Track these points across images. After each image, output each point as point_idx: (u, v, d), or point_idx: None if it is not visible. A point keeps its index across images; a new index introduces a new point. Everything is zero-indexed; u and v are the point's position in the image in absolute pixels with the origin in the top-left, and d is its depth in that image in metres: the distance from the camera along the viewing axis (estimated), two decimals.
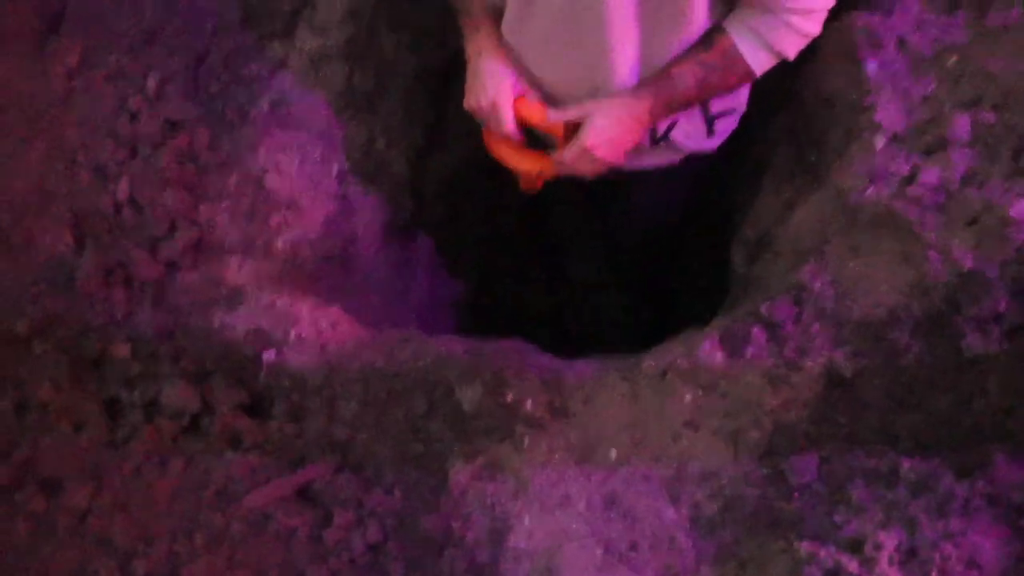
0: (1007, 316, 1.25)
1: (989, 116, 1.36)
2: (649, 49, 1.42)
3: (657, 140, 1.59)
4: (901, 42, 1.50)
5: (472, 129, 1.73)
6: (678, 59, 1.43)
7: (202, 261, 1.65)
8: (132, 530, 1.39)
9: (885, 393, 1.31)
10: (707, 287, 1.94)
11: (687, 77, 1.42)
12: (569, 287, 2.40)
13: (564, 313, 2.48)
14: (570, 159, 1.52)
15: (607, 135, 1.46)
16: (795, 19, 1.33)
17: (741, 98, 1.62)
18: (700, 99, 1.49)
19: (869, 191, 1.42)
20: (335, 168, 1.83)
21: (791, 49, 1.37)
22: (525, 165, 1.63)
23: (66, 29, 1.77)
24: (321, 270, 1.74)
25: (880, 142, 1.44)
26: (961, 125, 1.37)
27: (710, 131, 1.61)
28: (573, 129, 1.52)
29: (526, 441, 1.47)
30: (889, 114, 1.45)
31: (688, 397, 1.43)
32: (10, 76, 1.71)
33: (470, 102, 1.59)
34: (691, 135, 1.61)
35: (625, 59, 1.43)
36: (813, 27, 1.36)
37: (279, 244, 1.70)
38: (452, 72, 2.07)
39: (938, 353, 1.29)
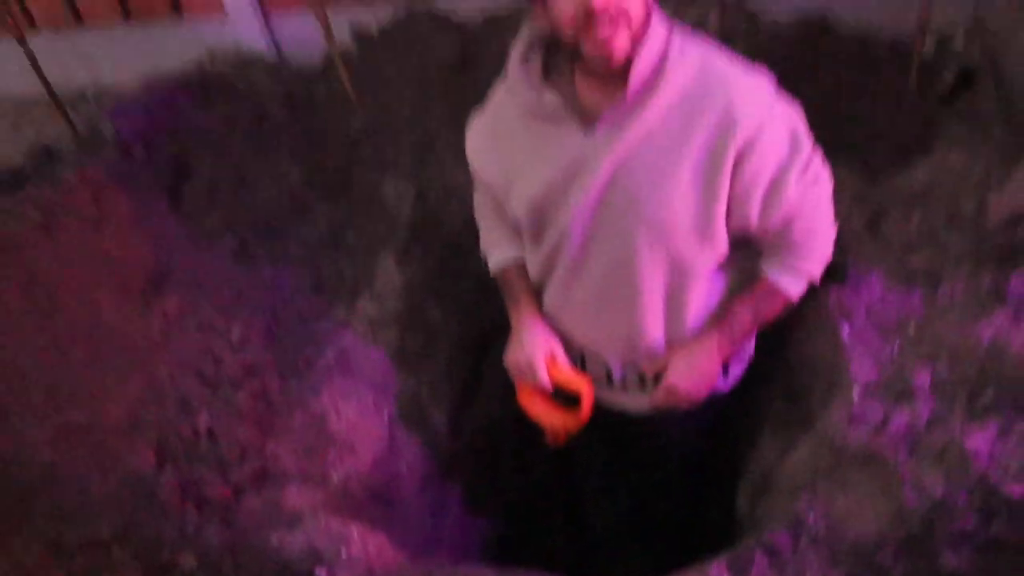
0: (975, 534, 1.43)
1: (945, 370, 1.62)
2: (673, 307, 1.71)
3: None
4: (869, 312, 1.81)
5: (503, 392, 1.98)
6: (732, 303, 1.73)
7: (265, 487, 1.85)
8: None
9: None
10: (714, 526, 2.11)
11: (742, 313, 1.71)
12: (591, 538, 2.55)
13: (586, 563, 2.60)
14: (660, 400, 1.78)
15: (687, 373, 1.73)
16: (812, 249, 1.65)
17: (748, 345, 1.91)
18: (756, 328, 1.75)
19: (850, 434, 1.64)
20: (385, 415, 2.07)
21: (816, 272, 1.68)
22: (553, 420, 1.83)
23: (169, 287, 2.11)
24: (368, 503, 1.93)
25: (856, 393, 1.69)
26: (923, 377, 1.63)
27: (724, 373, 1.87)
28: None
29: None
30: (863, 370, 1.72)
31: None
32: (119, 322, 2.02)
33: (509, 359, 1.85)
34: None
35: (654, 319, 1.72)
36: (827, 252, 1.67)
37: (334, 477, 1.91)
38: (488, 341, 2.38)
39: (919, 571, 1.45)
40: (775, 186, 1.53)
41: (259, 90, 2.72)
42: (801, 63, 2.34)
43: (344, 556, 1.74)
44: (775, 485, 1.80)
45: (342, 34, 2.81)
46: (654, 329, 1.73)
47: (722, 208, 1.55)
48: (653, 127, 1.52)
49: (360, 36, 2.86)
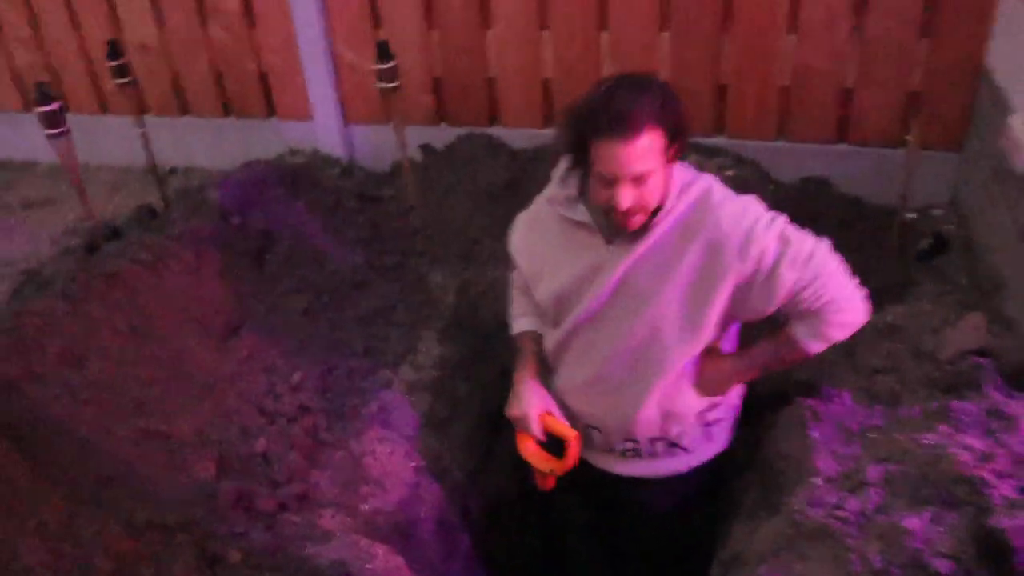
0: None
1: (894, 468, 1.92)
2: (667, 387, 2.02)
3: (671, 445, 2.13)
4: (836, 422, 2.12)
5: (510, 467, 2.28)
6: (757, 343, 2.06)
7: (305, 507, 2.14)
8: None
9: None
10: None
11: (761, 353, 2.04)
12: None
13: None
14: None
15: (707, 378, 2.06)
16: (831, 318, 1.89)
17: (732, 409, 2.20)
18: (769, 367, 2.06)
19: (810, 514, 1.93)
20: (413, 465, 2.36)
21: (837, 335, 1.93)
22: (542, 465, 2.17)
23: (244, 332, 2.46)
24: (390, 535, 2.20)
25: (818, 481, 1.99)
26: (875, 473, 1.92)
27: (709, 437, 2.16)
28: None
29: None
30: (825, 465, 2.01)
31: None
32: (200, 354, 2.36)
33: (509, 411, 2.19)
34: (695, 440, 2.14)
35: (651, 397, 2.02)
36: (850, 317, 1.92)
37: (363, 508, 2.19)
38: (503, 421, 2.67)
39: None
40: (770, 279, 1.84)
41: (336, 184, 3.16)
42: (802, 213, 2.73)
43: (369, 569, 2.01)
44: (744, 560, 2.07)
45: (410, 148, 3.26)
46: (650, 406, 2.05)
47: (714, 311, 1.90)
48: (658, 242, 1.91)
49: (426, 150, 3.32)
